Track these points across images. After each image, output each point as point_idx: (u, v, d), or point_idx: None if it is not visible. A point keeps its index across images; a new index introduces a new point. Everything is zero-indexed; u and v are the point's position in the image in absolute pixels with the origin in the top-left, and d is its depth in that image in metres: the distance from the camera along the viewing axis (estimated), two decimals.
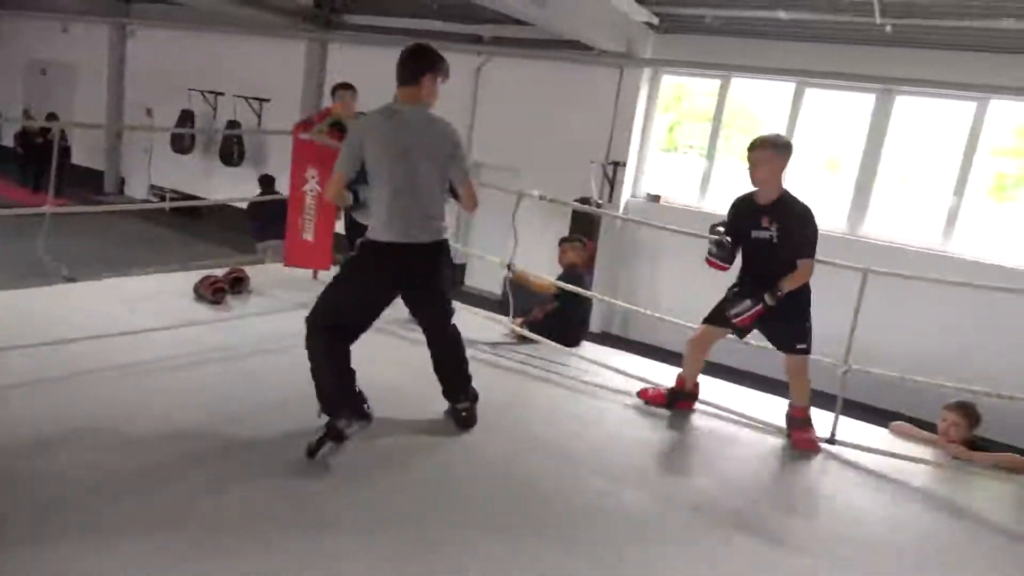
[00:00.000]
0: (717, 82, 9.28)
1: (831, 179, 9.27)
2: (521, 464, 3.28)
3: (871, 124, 8.36)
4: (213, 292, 4.80)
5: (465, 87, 10.61)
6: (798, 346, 3.64)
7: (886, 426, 4.21)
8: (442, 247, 3.28)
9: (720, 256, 3.70)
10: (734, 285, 3.78)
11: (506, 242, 8.77)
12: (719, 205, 9.15)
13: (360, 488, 2.88)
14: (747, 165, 3.62)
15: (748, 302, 3.57)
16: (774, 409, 4.04)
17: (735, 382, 4.70)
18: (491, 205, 10.28)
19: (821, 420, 3.91)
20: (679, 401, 3.98)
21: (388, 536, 2.59)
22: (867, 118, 8.39)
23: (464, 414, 3.46)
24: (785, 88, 8.79)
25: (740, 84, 9.27)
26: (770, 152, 3.56)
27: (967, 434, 3.94)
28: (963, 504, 3.45)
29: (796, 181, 9.05)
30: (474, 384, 3.53)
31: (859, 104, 8.47)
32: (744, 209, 3.73)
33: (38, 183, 13.48)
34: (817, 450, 3.73)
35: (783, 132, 8.67)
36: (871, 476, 3.59)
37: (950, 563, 2.96)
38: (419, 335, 3.50)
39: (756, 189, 3.67)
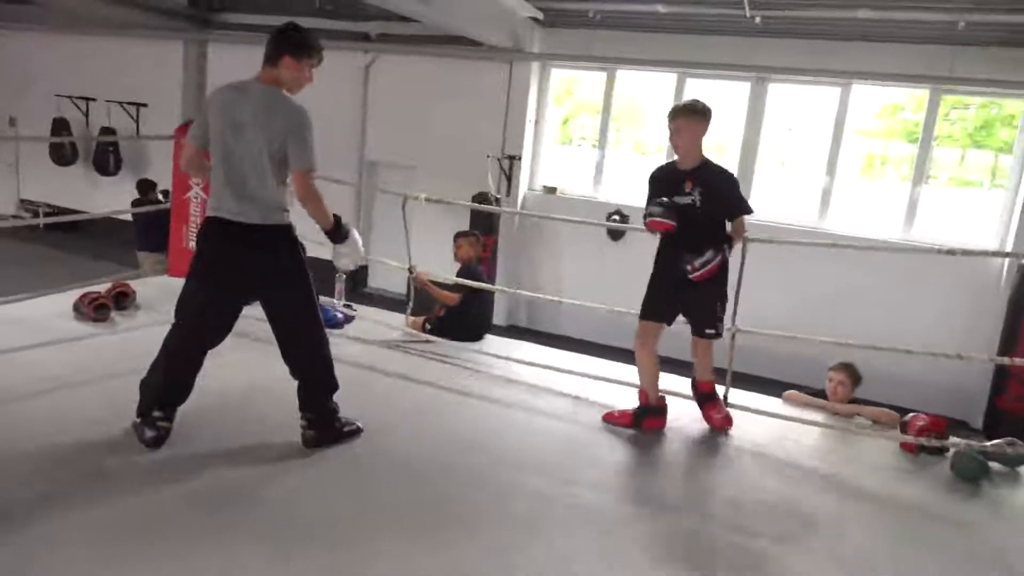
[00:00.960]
0: (604, 75, 9.52)
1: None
2: (428, 462, 3.29)
3: (748, 111, 8.81)
4: (95, 309, 4.55)
5: (355, 86, 10.45)
6: (707, 331, 3.75)
7: (777, 396, 4.48)
8: (276, 233, 3.08)
9: (663, 214, 3.55)
10: (657, 262, 3.81)
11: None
12: (613, 194, 9.45)
13: (268, 490, 2.83)
14: (669, 133, 3.69)
15: (710, 252, 3.57)
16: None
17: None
18: (390, 204, 10.23)
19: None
20: (646, 419, 3.81)
21: (300, 543, 2.56)
22: (744, 105, 8.83)
23: (303, 430, 3.25)
24: (668, 79, 9.12)
25: (626, 76, 9.55)
26: (689, 118, 3.63)
27: (851, 393, 4.28)
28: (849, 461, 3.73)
29: None
30: (380, 386, 3.48)
31: (736, 92, 8.90)
32: (665, 177, 3.77)
33: None
34: (730, 425, 3.87)
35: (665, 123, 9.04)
36: (766, 442, 3.82)
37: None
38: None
39: (677, 157, 3.77)
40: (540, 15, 8.94)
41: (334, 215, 3.12)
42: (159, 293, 5.17)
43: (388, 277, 10.48)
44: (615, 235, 9.11)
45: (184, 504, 2.74)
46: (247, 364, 4.02)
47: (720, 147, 10.02)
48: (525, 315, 9.89)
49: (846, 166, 8.83)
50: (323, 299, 5.01)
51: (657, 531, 2.91)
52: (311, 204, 3.03)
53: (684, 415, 3.98)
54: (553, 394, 4.20)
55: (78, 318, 4.59)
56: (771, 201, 8.87)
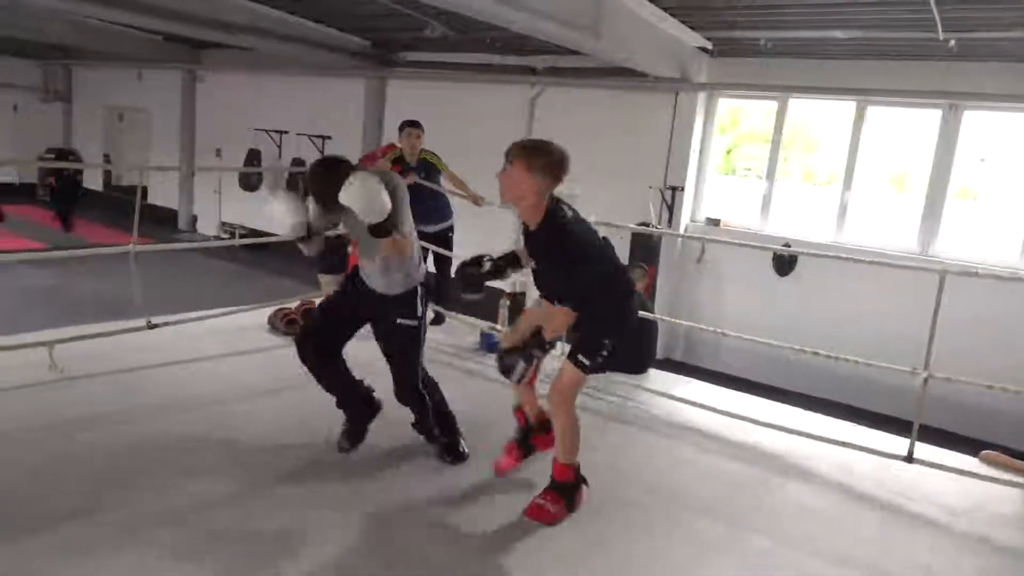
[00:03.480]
0: (773, 104, 9.19)
1: (898, 198, 9.05)
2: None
3: (938, 140, 8.14)
4: (286, 324, 4.98)
5: (520, 118, 10.76)
6: (583, 359, 2.97)
7: (973, 455, 4.04)
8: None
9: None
10: None
11: None
12: (780, 227, 9.05)
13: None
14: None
15: None
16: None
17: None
18: None
19: (894, 443, 3.80)
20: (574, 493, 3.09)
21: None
22: (934, 134, 8.17)
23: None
24: (845, 107, 8.65)
25: (798, 104, 9.17)
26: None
27: None
28: None
29: (862, 200, 8.90)
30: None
31: (925, 120, 8.27)
32: None
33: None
34: (548, 521, 2.99)
35: (846, 151, 8.56)
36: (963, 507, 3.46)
37: None
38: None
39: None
40: (709, 44, 8.81)
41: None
42: None
43: None
44: (782, 270, 8.70)
45: (359, 493, 2.91)
46: None
47: (900, 180, 9.36)
48: (682, 349, 9.64)
49: None
50: (486, 324, 5.20)
51: None
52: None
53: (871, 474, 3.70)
54: (719, 435, 4.06)
55: (271, 331, 5.03)
56: (963, 237, 8.12)
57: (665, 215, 9.49)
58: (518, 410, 3.36)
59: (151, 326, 4.27)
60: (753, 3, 7.08)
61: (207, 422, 3.57)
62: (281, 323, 4.98)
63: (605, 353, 2.97)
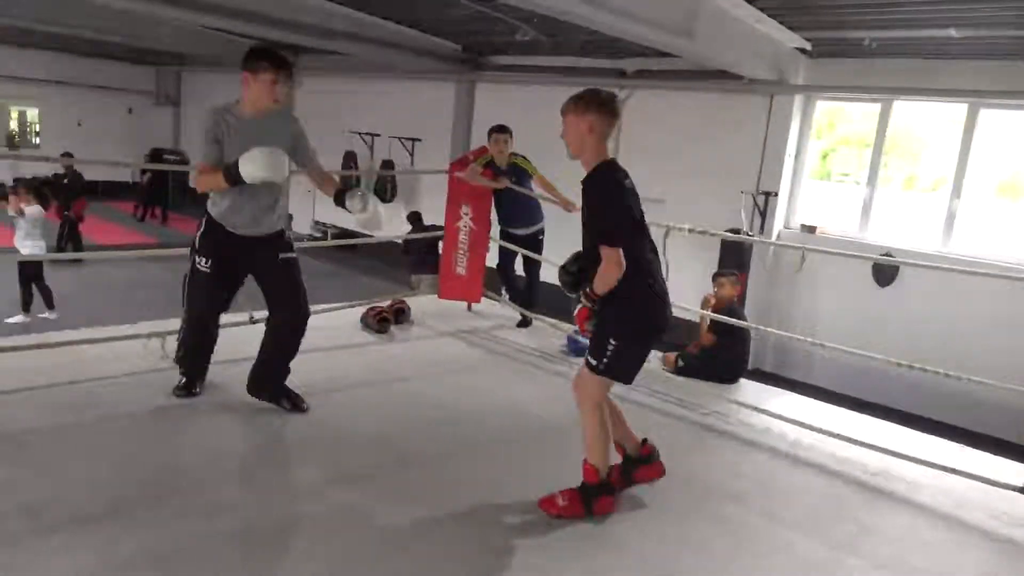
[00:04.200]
0: (876, 106, 8.80)
1: (1011, 206, 8.51)
2: (680, 503, 3.22)
3: None
4: (379, 322, 5.12)
5: None
6: (590, 359, 2.90)
7: None
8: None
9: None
10: None
11: None
12: (881, 235, 8.65)
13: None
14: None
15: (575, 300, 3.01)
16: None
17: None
18: None
19: (1009, 470, 3.56)
20: (597, 498, 2.93)
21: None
22: None
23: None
24: (955, 110, 8.19)
25: (902, 107, 8.75)
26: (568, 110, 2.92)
27: None
28: None
29: (971, 208, 8.40)
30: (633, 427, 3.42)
31: None
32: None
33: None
34: (553, 512, 2.89)
35: (955, 157, 8.10)
36: None
37: None
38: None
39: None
40: (808, 45, 8.51)
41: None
42: (430, 311, 5.68)
43: None
44: (883, 280, 8.31)
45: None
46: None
47: (1011, 187, 8.78)
48: (772, 360, 9.34)
49: None
50: (572, 327, 5.19)
51: None
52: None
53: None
54: (815, 450, 3.91)
55: (364, 329, 5.18)
56: None
57: (757, 221, 9.23)
58: (618, 446, 3.17)
59: (253, 321, 4.47)
60: (860, 1, 6.80)
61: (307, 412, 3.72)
62: (374, 321, 5.12)
63: (610, 353, 2.83)
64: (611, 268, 2.75)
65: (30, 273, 8.42)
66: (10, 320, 8.25)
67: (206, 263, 3.50)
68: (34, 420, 3.31)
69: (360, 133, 14.36)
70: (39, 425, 3.27)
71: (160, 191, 16.46)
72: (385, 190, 13.83)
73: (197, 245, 3.52)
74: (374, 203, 3.51)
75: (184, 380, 3.76)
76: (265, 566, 2.46)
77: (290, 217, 16.46)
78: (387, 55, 11.24)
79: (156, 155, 17.05)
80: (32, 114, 19.01)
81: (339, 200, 3.47)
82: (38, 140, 18.76)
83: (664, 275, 4.83)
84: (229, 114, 3.33)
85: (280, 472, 3.19)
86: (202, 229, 3.53)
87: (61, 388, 3.68)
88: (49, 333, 4.58)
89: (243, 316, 4.50)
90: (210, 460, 3.15)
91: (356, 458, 3.30)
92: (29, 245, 8.23)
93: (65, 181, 12.68)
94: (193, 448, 3.27)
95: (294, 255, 3.67)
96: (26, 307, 8.44)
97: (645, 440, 3.18)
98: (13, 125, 19.30)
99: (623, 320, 2.86)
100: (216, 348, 3.83)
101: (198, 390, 3.76)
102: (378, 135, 14.15)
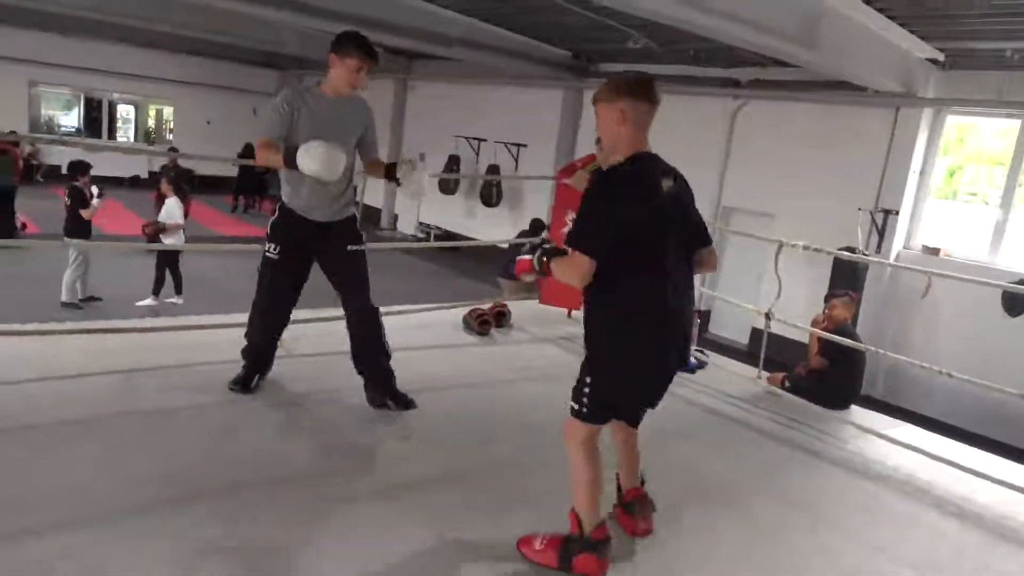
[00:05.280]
0: (1014, 123, 8.20)
1: None
2: (774, 529, 3.10)
3: None
4: (480, 324, 5.19)
5: (719, 131, 10.46)
6: (571, 402, 2.51)
7: None
8: None
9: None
10: None
11: (755, 289, 8.44)
12: (1015, 261, 8.04)
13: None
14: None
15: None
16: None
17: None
18: (742, 251, 10.00)
19: None
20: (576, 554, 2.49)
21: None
22: None
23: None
24: None
25: None
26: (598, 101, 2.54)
27: None
28: None
29: None
30: (741, 438, 3.34)
31: None
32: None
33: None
34: (523, 552, 2.55)
35: None
36: None
37: None
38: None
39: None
40: (940, 56, 8.04)
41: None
42: (529, 316, 5.71)
43: (730, 326, 10.23)
44: (1014, 309, 7.72)
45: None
46: None
47: None
48: (883, 385, 8.84)
49: None
50: None
51: None
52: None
53: None
54: (934, 486, 3.67)
55: (466, 330, 5.27)
56: None
57: (874, 240, 8.78)
58: (617, 472, 2.86)
59: None
60: (1001, 10, 6.37)
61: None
62: (475, 322, 5.20)
63: (587, 397, 2.43)
64: (571, 273, 2.35)
65: (168, 260, 9.06)
66: (140, 303, 8.88)
67: (274, 249, 3.48)
68: (170, 400, 3.55)
69: (467, 138, 14.64)
70: (173, 405, 3.50)
71: (255, 182, 17.34)
72: (491, 194, 14.04)
73: (269, 231, 3.52)
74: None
75: (242, 374, 3.66)
76: (367, 558, 2.54)
77: (395, 217, 17.03)
78: (499, 61, 11.42)
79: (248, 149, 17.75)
80: (168, 112, 20.47)
81: (390, 174, 3.52)
82: (171, 136, 20.18)
83: (776, 296, 4.74)
84: (308, 94, 3.38)
85: (382, 468, 3.27)
86: (275, 216, 3.52)
87: (199, 368, 3.92)
88: (180, 316, 4.86)
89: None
90: (316, 453, 3.28)
91: (456, 459, 3.35)
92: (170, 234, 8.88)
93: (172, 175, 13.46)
94: (298, 440, 3.41)
95: (363, 247, 3.62)
96: (156, 291, 9.08)
97: (641, 484, 2.81)
98: (151, 122, 20.84)
99: (600, 361, 2.45)
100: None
101: (255, 385, 3.67)
102: (484, 140, 14.39)
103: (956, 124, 9.02)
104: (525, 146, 13.56)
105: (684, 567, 2.71)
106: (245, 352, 3.71)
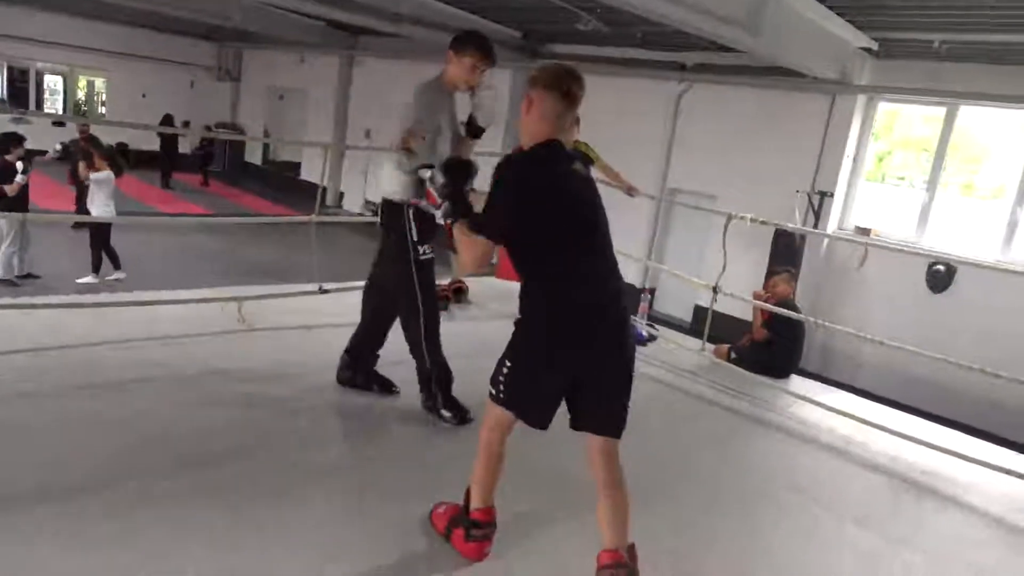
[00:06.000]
0: (939, 111, 8.67)
1: None
2: (731, 491, 3.32)
3: None
4: (439, 299, 5.28)
5: (664, 114, 10.70)
6: (490, 385, 2.42)
7: None
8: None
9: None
10: None
11: (696, 269, 8.66)
12: (938, 241, 8.54)
13: None
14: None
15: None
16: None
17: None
18: (685, 229, 10.27)
19: None
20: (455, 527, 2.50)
21: None
22: None
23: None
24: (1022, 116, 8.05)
25: (966, 112, 8.60)
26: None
27: None
28: None
29: None
30: (681, 407, 3.54)
31: None
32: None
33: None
34: (469, 554, 2.46)
35: (1023, 166, 7.96)
36: None
37: None
38: None
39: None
40: (874, 45, 8.41)
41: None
42: (487, 291, 5.83)
43: (675, 303, 10.55)
44: (937, 286, 8.22)
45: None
46: None
47: None
48: (819, 360, 9.29)
49: None
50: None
51: None
52: None
53: None
54: (867, 447, 3.96)
55: None
56: None
57: (811, 221, 9.18)
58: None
59: (323, 291, 4.67)
60: (932, 2, 6.72)
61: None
62: None
63: (504, 379, 2.34)
64: (470, 248, 2.36)
65: (100, 236, 8.80)
66: (81, 280, 8.63)
67: (429, 250, 3.40)
68: (134, 371, 3.53)
69: None
70: (138, 375, 3.49)
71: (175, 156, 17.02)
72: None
73: (414, 237, 3.34)
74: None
75: (447, 402, 3.46)
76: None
77: (341, 195, 16.83)
78: (446, 39, 11.34)
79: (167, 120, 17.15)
80: (100, 84, 19.65)
81: (472, 123, 3.62)
82: (103, 110, 19.40)
83: (722, 269, 4.96)
84: (436, 89, 3.49)
85: (336, 439, 3.35)
86: (410, 223, 3.34)
87: (156, 342, 3.91)
88: (137, 292, 4.79)
89: (313, 286, 4.71)
90: (279, 424, 3.34)
91: (409, 434, 3.44)
92: (100, 208, 8.61)
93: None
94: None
95: None
96: (96, 269, 8.83)
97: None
98: (81, 94, 19.98)
99: (517, 347, 2.36)
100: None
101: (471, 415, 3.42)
102: None
103: (885, 111, 9.47)
104: None
105: (661, 531, 2.89)
106: (431, 377, 3.47)
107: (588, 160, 5.82)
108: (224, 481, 2.71)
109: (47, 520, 2.33)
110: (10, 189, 8.20)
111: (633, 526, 2.30)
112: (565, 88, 2.32)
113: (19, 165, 8.29)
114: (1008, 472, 3.60)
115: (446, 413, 3.44)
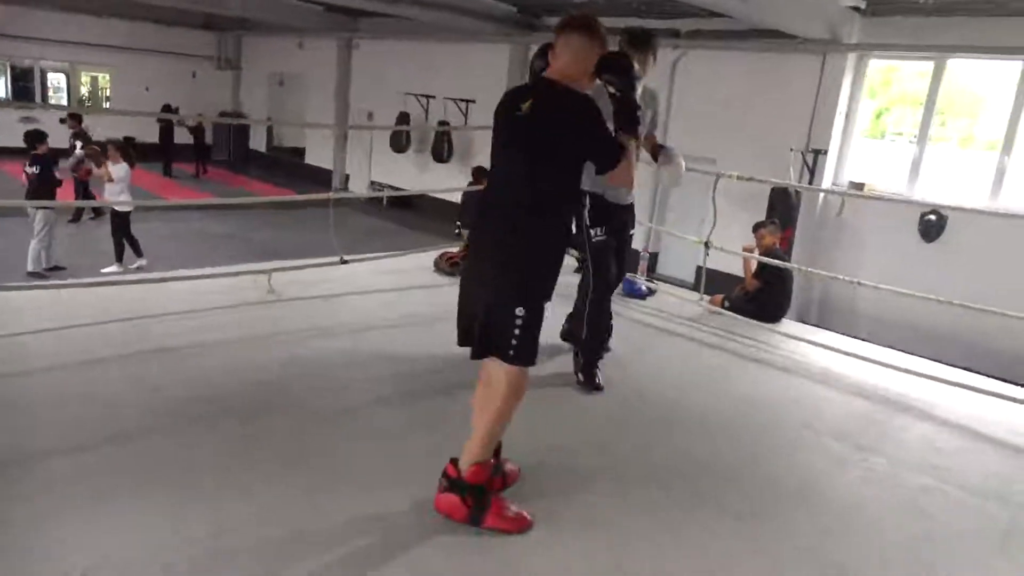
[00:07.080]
0: (929, 65, 8.87)
1: None
2: (723, 418, 3.67)
3: None
4: (450, 265, 5.62)
5: (660, 81, 10.91)
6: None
7: None
8: None
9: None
10: None
11: (698, 231, 8.98)
12: (929, 192, 8.80)
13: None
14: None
15: None
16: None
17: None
18: (686, 191, 10.56)
19: None
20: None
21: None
22: None
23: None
24: (1011, 68, 8.25)
25: (960, 65, 8.81)
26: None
27: None
28: None
29: (1020, 164, 8.43)
30: (679, 349, 3.86)
31: None
32: None
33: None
34: (465, 520, 2.46)
35: (1008, 116, 8.18)
36: None
37: None
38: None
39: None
40: (862, 3, 8.61)
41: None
42: None
43: (677, 265, 10.86)
44: (930, 236, 8.50)
45: None
46: None
47: None
48: (816, 312, 9.62)
49: None
50: (629, 275, 5.61)
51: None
52: None
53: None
54: (850, 377, 4.31)
55: (436, 271, 5.69)
56: None
57: (806, 178, 9.44)
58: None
59: (343, 262, 5.01)
60: None
61: (378, 340, 4.22)
62: (446, 264, 5.62)
63: (516, 334, 2.45)
64: (632, 165, 2.57)
65: (122, 225, 9.16)
66: (105, 270, 9.00)
67: (601, 231, 3.70)
68: (180, 339, 3.89)
69: (416, 95, 14.79)
70: (184, 343, 3.85)
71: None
72: (442, 150, 14.29)
73: (588, 220, 3.66)
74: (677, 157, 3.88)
75: (590, 368, 3.75)
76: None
77: (347, 177, 17.13)
78: (444, 18, 11.60)
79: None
80: (103, 79, 19.91)
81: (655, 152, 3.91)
82: (108, 105, 19.68)
83: (712, 225, 5.26)
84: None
85: (352, 385, 3.69)
86: (584, 205, 3.65)
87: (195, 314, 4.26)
88: (177, 270, 5.16)
89: (335, 258, 5.05)
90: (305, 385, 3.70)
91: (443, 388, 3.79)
92: (118, 199, 8.97)
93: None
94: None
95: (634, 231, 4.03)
96: (119, 257, 9.19)
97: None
98: (84, 91, 20.25)
99: (528, 284, 2.49)
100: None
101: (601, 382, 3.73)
102: (433, 97, 14.57)
103: (881, 68, 9.67)
104: (474, 101, 13.80)
105: (659, 443, 3.24)
106: (584, 347, 3.77)
107: None
108: (276, 430, 3.07)
109: (139, 454, 2.70)
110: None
111: (635, 442, 2.58)
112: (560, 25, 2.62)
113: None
114: (974, 389, 3.95)
115: (581, 376, 3.77)
